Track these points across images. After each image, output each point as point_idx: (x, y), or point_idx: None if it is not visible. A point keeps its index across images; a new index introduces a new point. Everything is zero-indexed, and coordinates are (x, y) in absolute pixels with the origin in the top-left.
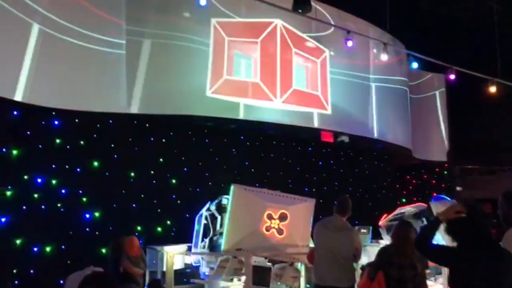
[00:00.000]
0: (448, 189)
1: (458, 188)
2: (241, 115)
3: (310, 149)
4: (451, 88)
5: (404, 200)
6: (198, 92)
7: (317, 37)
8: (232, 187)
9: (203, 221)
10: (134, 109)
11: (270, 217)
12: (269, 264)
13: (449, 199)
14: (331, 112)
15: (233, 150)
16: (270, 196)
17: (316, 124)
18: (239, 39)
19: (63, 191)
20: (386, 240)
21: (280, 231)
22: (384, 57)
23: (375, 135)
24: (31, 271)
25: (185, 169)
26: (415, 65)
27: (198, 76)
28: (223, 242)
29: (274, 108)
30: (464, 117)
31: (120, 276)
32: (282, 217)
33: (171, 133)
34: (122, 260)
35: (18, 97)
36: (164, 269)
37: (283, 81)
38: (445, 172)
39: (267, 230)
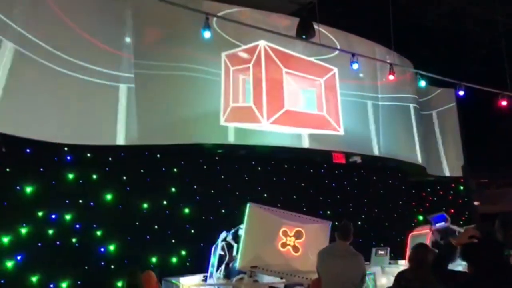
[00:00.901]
0: (466, 204)
1: (475, 203)
2: (251, 141)
3: (322, 171)
4: (462, 102)
5: (421, 217)
6: (208, 120)
7: (325, 59)
8: (248, 205)
9: (219, 252)
10: (145, 141)
11: (285, 234)
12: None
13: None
14: (343, 133)
15: (245, 175)
16: (286, 214)
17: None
18: (240, 67)
19: (77, 226)
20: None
21: (295, 249)
22: (391, 77)
23: (387, 153)
24: None
25: (197, 197)
26: (422, 83)
27: (207, 105)
28: (238, 260)
29: (283, 133)
30: (478, 130)
31: None
32: (298, 235)
33: (182, 162)
34: None
35: (29, 134)
36: None
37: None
38: (461, 187)
39: (283, 247)
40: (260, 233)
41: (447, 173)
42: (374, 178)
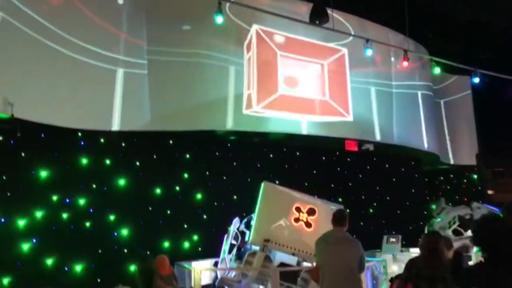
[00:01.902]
0: (479, 193)
1: (489, 192)
2: (262, 128)
3: (335, 158)
4: (478, 90)
5: (433, 206)
6: (220, 107)
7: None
8: (262, 184)
9: (231, 240)
10: (158, 127)
11: (298, 210)
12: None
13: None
14: (354, 119)
15: (257, 163)
16: (299, 193)
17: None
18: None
19: (91, 210)
20: None
21: (308, 225)
22: (405, 63)
23: (400, 141)
24: None
25: (209, 183)
26: (437, 70)
27: (219, 92)
28: (251, 236)
29: (295, 120)
30: (493, 118)
31: None
32: (311, 212)
33: (195, 149)
34: (154, 280)
35: (44, 119)
36: (192, 285)
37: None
38: (475, 176)
39: (296, 221)
40: (274, 209)
41: (461, 162)
42: (387, 166)
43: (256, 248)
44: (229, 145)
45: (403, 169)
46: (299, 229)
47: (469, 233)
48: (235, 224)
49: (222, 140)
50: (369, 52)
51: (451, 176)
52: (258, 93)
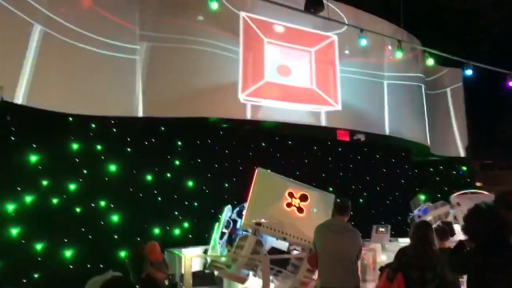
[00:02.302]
0: (468, 185)
1: (478, 184)
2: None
3: (326, 148)
4: (470, 82)
5: (422, 197)
6: (213, 94)
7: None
8: (256, 170)
9: (222, 229)
10: (150, 113)
11: (291, 195)
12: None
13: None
14: (345, 109)
15: (249, 151)
16: (292, 181)
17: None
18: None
19: (81, 196)
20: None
21: (300, 210)
22: (399, 54)
23: (391, 132)
24: (52, 275)
25: (201, 171)
26: (430, 61)
27: (212, 79)
28: (243, 219)
29: (290, 109)
30: (483, 111)
31: (144, 281)
32: (303, 197)
33: (187, 136)
34: (145, 265)
35: (34, 103)
36: (183, 271)
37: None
38: (464, 168)
39: (288, 206)
40: (267, 193)
41: (451, 154)
42: (377, 156)
43: (247, 233)
44: (221, 132)
45: (393, 160)
46: (291, 214)
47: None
48: (227, 212)
49: (214, 127)
50: (363, 42)
51: (441, 167)
52: (243, 80)
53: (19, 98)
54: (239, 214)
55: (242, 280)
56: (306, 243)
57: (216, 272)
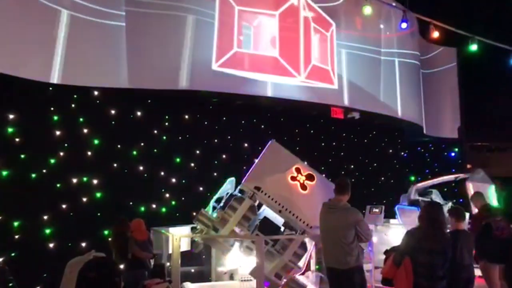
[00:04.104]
0: (459, 167)
1: (468, 166)
2: (246, 91)
3: (319, 126)
4: (464, 62)
5: (412, 178)
6: (202, 66)
7: (327, 7)
8: (270, 142)
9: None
10: (135, 84)
11: (298, 171)
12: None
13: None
14: (338, 87)
15: (240, 127)
16: (303, 162)
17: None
18: (252, 10)
19: (62, 170)
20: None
21: (303, 187)
22: (403, 25)
23: (387, 111)
24: (30, 254)
25: (189, 147)
26: (436, 35)
27: (202, 50)
28: (244, 180)
29: (285, 84)
30: (477, 92)
31: (129, 261)
32: (310, 177)
33: (175, 109)
34: (130, 245)
35: (15, 72)
36: (170, 251)
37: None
38: (456, 149)
39: (292, 180)
40: (274, 162)
41: (443, 134)
42: (371, 135)
43: (243, 196)
44: (211, 107)
45: (386, 139)
46: (293, 188)
47: None
48: (228, 184)
49: (203, 101)
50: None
51: (433, 148)
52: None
53: None
54: (242, 191)
55: (225, 249)
56: (300, 222)
57: (198, 239)
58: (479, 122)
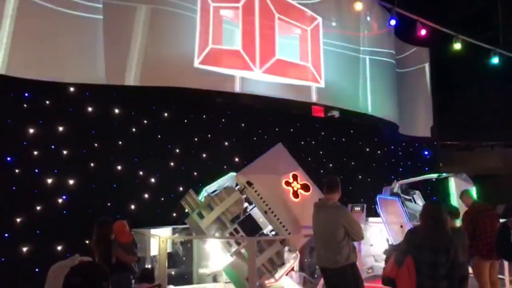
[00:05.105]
0: (432, 166)
1: (440, 164)
2: (226, 88)
3: (299, 124)
4: (437, 62)
5: (392, 177)
6: (183, 62)
7: (307, 4)
8: (277, 145)
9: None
10: (112, 80)
11: (295, 178)
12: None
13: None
14: (324, 86)
15: (219, 125)
16: (304, 171)
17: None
18: (224, 4)
19: (36, 170)
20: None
21: (296, 195)
22: (392, 22)
23: (365, 110)
24: (2, 259)
25: (168, 146)
26: (423, 32)
27: (182, 45)
28: (238, 173)
29: (263, 81)
30: (449, 92)
31: (112, 266)
32: (305, 187)
33: (153, 107)
34: (114, 248)
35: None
36: (152, 254)
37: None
38: (428, 148)
39: (286, 185)
40: (273, 163)
41: (417, 134)
42: (349, 134)
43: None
44: (191, 105)
45: (363, 138)
46: (285, 192)
47: None
48: (230, 178)
49: (182, 99)
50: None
51: (408, 147)
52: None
53: None
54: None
55: (204, 236)
56: (283, 228)
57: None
58: (450, 122)
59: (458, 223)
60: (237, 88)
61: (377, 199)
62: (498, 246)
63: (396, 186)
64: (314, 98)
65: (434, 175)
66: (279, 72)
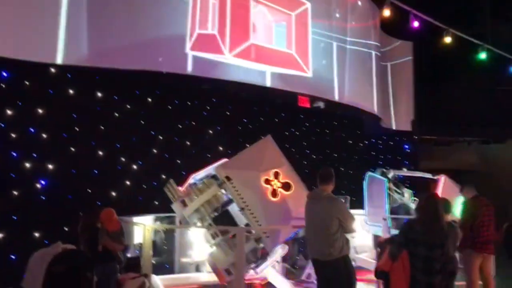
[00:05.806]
0: (411, 160)
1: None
2: (213, 74)
3: (283, 114)
4: (420, 56)
5: (373, 169)
6: (171, 47)
7: None
8: (266, 137)
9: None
10: (95, 62)
11: (276, 175)
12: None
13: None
14: (311, 75)
15: (204, 112)
16: (291, 167)
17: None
18: None
19: (14, 154)
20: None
21: (274, 194)
22: (386, 12)
23: (349, 101)
24: None
25: (152, 132)
26: (416, 24)
27: (170, 29)
28: (216, 165)
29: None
30: (431, 86)
31: (98, 254)
32: (286, 185)
33: (137, 92)
34: (101, 236)
35: None
36: (135, 242)
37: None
38: (408, 142)
39: (266, 182)
40: (256, 158)
41: (398, 127)
42: (331, 126)
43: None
44: (175, 89)
45: (346, 130)
46: (263, 191)
47: None
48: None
49: (168, 83)
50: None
51: (388, 140)
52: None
53: None
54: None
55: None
56: (258, 227)
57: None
58: (430, 117)
59: (449, 217)
60: (218, 74)
61: (367, 176)
62: (507, 245)
63: (390, 174)
64: (299, 88)
65: (427, 175)
66: (255, 58)
